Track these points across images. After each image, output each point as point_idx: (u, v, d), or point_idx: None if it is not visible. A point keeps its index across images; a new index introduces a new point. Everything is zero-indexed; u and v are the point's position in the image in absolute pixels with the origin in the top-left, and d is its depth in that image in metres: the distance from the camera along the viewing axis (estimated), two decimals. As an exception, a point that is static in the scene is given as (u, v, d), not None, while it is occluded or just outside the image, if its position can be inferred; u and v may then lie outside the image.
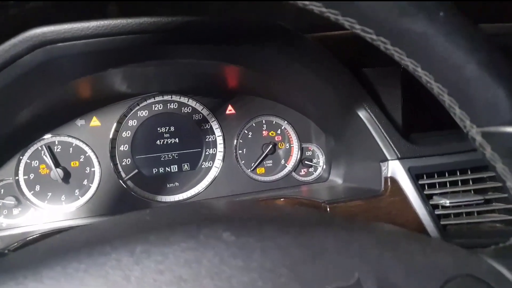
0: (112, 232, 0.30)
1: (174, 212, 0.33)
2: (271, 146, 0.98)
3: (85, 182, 0.89)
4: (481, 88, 0.31)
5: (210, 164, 0.98)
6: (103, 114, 0.90)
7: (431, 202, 0.76)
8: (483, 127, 0.33)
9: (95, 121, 0.89)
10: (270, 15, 0.88)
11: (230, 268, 0.27)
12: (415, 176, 0.76)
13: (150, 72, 0.81)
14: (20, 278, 0.26)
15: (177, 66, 0.81)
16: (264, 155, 0.99)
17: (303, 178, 1.02)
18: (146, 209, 0.33)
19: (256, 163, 0.99)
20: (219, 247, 0.27)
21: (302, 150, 1.02)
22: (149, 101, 0.93)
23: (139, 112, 0.93)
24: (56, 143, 0.87)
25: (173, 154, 0.95)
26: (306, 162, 1.02)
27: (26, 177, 0.85)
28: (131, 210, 0.36)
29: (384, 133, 0.77)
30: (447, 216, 0.77)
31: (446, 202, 0.75)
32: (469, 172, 0.79)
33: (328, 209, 0.76)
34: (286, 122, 1.01)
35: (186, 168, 0.96)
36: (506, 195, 0.71)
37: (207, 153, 0.97)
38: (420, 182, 0.76)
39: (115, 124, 0.90)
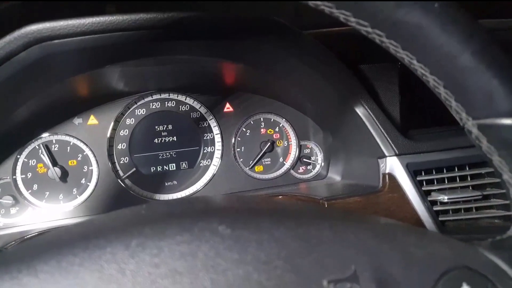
0: (107, 227, 0.30)
1: (169, 206, 0.33)
2: (269, 144, 0.98)
3: (83, 181, 0.88)
4: (476, 80, 0.31)
5: (208, 162, 0.97)
6: (100, 112, 0.90)
7: (429, 198, 0.76)
8: (479, 119, 0.33)
9: (92, 120, 0.89)
10: (268, 12, 0.87)
11: (226, 261, 0.27)
12: (413, 172, 0.76)
13: (148, 70, 0.81)
14: (14, 272, 0.26)
15: (174, 64, 0.80)
16: (262, 153, 0.99)
17: (301, 176, 1.02)
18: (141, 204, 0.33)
19: (255, 161, 0.99)
20: (214, 240, 0.27)
21: (300, 147, 1.02)
22: (146, 99, 0.93)
23: (136, 110, 0.93)
24: (54, 141, 0.87)
25: (171, 153, 0.95)
26: (304, 159, 1.02)
27: (24, 176, 0.85)
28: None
29: (382, 130, 0.77)
30: (445, 212, 0.77)
31: (444, 198, 0.75)
32: (467, 168, 0.79)
33: (326, 206, 0.76)
34: (284, 119, 1.01)
35: (184, 167, 0.96)
36: (504, 190, 0.71)
37: (205, 151, 0.97)
38: (418, 178, 0.76)
39: (112, 123, 0.90)
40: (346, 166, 0.94)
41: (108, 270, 0.26)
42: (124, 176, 0.91)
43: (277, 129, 1.01)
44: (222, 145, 0.97)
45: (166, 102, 0.94)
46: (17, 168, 0.84)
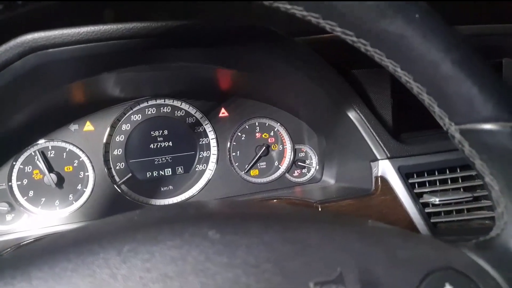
0: (100, 232, 0.31)
1: (161, 212, 0.34)
2: (264, 148, 0.99)
3: (79, 187, 0.89)
4: (457, 87, 0.32)
5: (204, 166, 0.98)
6: (96, 118, 0.90)
7: (421, 201, 0.77)
8: (461, 124, 0.34)
9: (88, 126, 0.90)
10: (261, 19, 0.89)
11: (215, 265, 0.27)
12: (405, 175, 0.77)
13: (143, 76, 0.82)
14: (8, 278, 0.26)
15: (169, 70, 0.81)
16: (257, 157, 1.00)
17: (296, 179, 1.03)
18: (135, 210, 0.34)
19: (250, 165, 1.00)
20: (204, 244, 0.28)
21: (295, 151, 1.03)
22: (142, 105, 0.94)
23: (132, 116, 0.93)
24: (50, 148, 0.87)
25: (167, 158, 0.96)
26: (299, 163, 1.03)
27: (20, 182, 0.85)
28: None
29: (374, 133, 0.78)
30: (437, 214, 0.78)
31: (436, 200, 0.76)
32: (458, 170, 0.80)
33: (320, 209, 0.77)
34: (279, 124, 1.02)
35: (180, 171, 0.97)
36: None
37: (200, 156, 0.98)
38: (410, 180, 0.78)
39: (108, 129, 0.91)
40: (340, 169, 0.95)
41: (100, 275, 0.26)
42: (120, 182, 0.92)
43: (272, 133, 1.02)
44: (218, 150, 0.98)
45: (162, 108, 0.95)
46: (12, 174, 0.85)
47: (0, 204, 0.82)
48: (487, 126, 0.32)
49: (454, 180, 0.80)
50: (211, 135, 0.98)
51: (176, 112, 0.96)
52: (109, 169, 0.91)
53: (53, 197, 0.87)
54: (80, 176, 0.89)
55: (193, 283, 0.26)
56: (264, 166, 1.02)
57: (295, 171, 1.04)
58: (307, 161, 1.04)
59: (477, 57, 0.32)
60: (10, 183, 0.84)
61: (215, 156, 0.98)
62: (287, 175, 1.03)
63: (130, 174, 0.92)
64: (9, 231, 0.84)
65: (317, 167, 1.03)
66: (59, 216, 0.87)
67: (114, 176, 0.92)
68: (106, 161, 0.91)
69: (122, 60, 0.67)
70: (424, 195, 0.78)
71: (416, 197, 0.77)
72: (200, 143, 0.98)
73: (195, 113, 0.97)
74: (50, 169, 0.86)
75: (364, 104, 0.80)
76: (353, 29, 0.34)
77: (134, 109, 0.93)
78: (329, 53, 0.77)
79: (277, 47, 0.71)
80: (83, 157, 0.89)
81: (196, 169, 0.98)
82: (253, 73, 0.80)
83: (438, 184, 0.79)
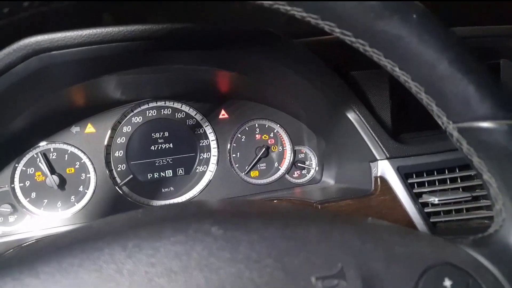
0: (105, 230, 0.31)
1: (164, 210, 0.35)
2: (264, 149, 1.00)
3: (80, 189, 0.90)
4: (454, 86, 0.33)
5: (205, 168, 0.99)
6: (97, 121, 0.91)
7: (420, 200, 0.77)
8: (458, 123, 0.35)
9: (90, 128, 0.90)
10: (260, 21, 0.90)
11: (218, 260, 0.28)
12: (404, 175, 0.78)
13: (144, 78, 0.83)
14: (16, 273, 0.27)
15: (170, 73, 0.82)
16: (257, 158, 1.00)
17: (296, 180, 1.04)
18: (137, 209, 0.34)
19: (250, 167, 1.00)
20: (207, 240, 0.29)
21: (294, 152, 1.04)
22: (143, 107, 0.94)
23: (133, 118, 0.94)
24: (52, 150, 0.88)
25: (168, 159, 0.96)
26: (299, 164, 1.03)
27: (22, 184, 0.86)
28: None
29: (373, 134, 0.79)
30: (436, 213, 0.78)
31: (435, 200, 0.77)
32: (457, 170, 0.81)
33: (319, 208, 0.77)
34: (278, 125, 1.03)
35: (180, 173, 0.97)
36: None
37: (201, 157, 0.99)
38: (409, 181, 0.78)
39: (109, 131, 0.91)
40: (339, 170, 0.95)
41: (107, 270, 0.27)
42: (122, 183, 0.92)
43: (271, 135, 1.03)
44: (218, 151, 0.99)
45: (162, 110, 0.96)
46: (15, 176, 0.85)
47: (3, 206, 0.83)
48: (484, 124, 0.33)
49: (453, 180, 0.81)
50: (211, 136, 0.99)
51: (176, 114, 0.97)
52: (110, 170, 0.92)
53: (55, 198, 0.88)
54: (81, 177, 0.90)
55: (197, 278, 0.27)
56: (264, 168, 1.02)
57: (295, 172, 1.04)
58: (307, 162, 1.04)
59: (473, 57, 0.33)
60: (12, 185, 0.85)
61: (216, 158, 0.99)
62: (287, 176, 1.04)
63: (131, 176, 0.93)
64: (11, 232, 0.84)
65: (317, 168, 1.04)
66: (61, 218, 0.88)
67: (115, 177, 0.92)
68: (108, 163, 0.91)
69: (123, 62, 0.68)
70: (423, 195, 0.79)
71: (415, 197, 0.77)
72: (200, 144, 0.99)
73: (195, 115, 0.98)
74: (52, 171, 0.87)
75: (363, 105, 0.80)
76: (351, 30, 0.34)
77: (135, 111, 0.94)
78: (327, 55, 0.78)
79: (276, 49, 0.72)
80: (85, 159, 0.90)
81: (197, 171, 0.98)
82: (253, 75, 0.81)
83: (437, 184, 0.80)
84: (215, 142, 0.99)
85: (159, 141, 0.96)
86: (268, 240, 0.29)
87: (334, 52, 0.86)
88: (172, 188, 0.96)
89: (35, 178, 0.87)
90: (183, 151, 0.98)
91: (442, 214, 0.79)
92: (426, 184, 0.79)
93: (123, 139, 0.93)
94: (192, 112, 0.98)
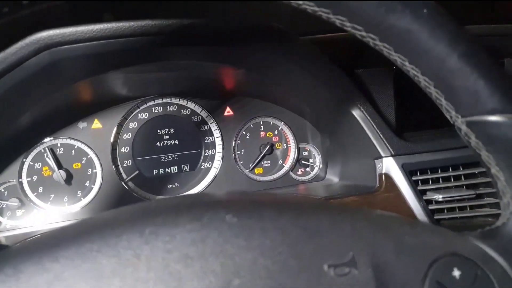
0: (121, 218, 0.32)
1: (178, 200, 0.35)
2: (268, 146, 1.01)
3: (87, 184, 0.90)
4: (464, 81, 0.34)
5: (209, 164, 0.99)
6: (104, 116, 0.92)
7: (424, 198, 0.78)
8: (467, 116, 0.35)
9: (96, 124, 0.91)
10: (267, 18, 0.90)
11: (233, 247, 0.29)
12: (408, 172, 0.78)
13: (150, 75, 0.84)
14: (36, 258, 0.28)
15: (176, 69, 0.83)
16: (262, 155, 1.01)
17: (300, 178, 1.05)
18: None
19: (254, 163, 1.01)
20: (222, 228, 0.29)
21: (299, 150, 1.04)
22: (149, 103, 0.95)
23: (139, 114, 0.95)
24: (59, 145, 0.89)
25: (173, 156, 0.97)
26: (303, 161, 1.04)
27: (29, 179, 0.87)
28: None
29: (378, 131, 0.79)
30: (440, 211, 0.79)
31: (439, 197, 0.77)
32: (461, 168, 0.81)
33: (325, 205, 0.78)
34: (283, 123, 1.03)
35: (186, 169, 0.98)
36: (495, 190, 0.73)
37: (206, 154, 0.99)
38: (414, 178, 0.79)
39: (116, 127, 0.92)
40: (343, 168, 0.96)
41: (125, 255, 0.28)
42: (127, 179, 0.93)
43: (276, 132, 1.04)
44: (223, 148, 0.99)
45: (168, 107, 0.97)
46: (23, 171, 0.86)
47: (11, 200, 0.84)
48: (493, 118, 0.33)
49: (457, 178, 0.81)
50: (216, 133, 1.00)
51: (182, 110, 0.98)
52: (116, 166, 0.92)
53: (62, 193, 0.88)
54: (88, 173, 0.90)
55: (213, 264, 0.28)
56: (268, 165, 1.03)
57: (299, 170, 1.05)
58: (311, 160, 1.05)
59: (482, 51, 0.33)
60: (20, 179, 0.86)
61: (220, 154, 0.99)
62: (291, 173, 1.04)
63: (137, 172, 0.93)
64: (19, 226, 0.85)
65: (321, 165, 1.04)
66: (68, 212, 0.88)
67: (121, 173, 0.93)
68: (114, 159, 0.92)
69: (132, 58, 0.69)
70: (428, 192, 0.79)
71: (419, 194, 0.78)
72: (205, 141, 0.99)
73: (200, 111, 0.99)
74: (59, 166, 0.88)
75: (368, 102, 0.81)
76: (362, 24, 0.35)
77: (141, 108, 0.95)
78: (333, 52, 0.79)
79: (283, 45, 0.73)
80: (91, 154, 0.90)
81: (202, 167, 0.99)
82: (258, 71, 0.82)
83: (441, 181, 0.80)
84: (220, 139, 1.00)
85: (164, 137, 0.96)
86: (282, 228, 0.30)
87: (339, 49, 0.87)
88: (177, 184, 0.97)
89: (42, 173, 0.87)
90: (188, 148, 0.98)
91: (446, 211, 0.79)
92: (430, 181, 0.80)
93: (129, 135, 0.94)
94: (198, 109, 0.98)
